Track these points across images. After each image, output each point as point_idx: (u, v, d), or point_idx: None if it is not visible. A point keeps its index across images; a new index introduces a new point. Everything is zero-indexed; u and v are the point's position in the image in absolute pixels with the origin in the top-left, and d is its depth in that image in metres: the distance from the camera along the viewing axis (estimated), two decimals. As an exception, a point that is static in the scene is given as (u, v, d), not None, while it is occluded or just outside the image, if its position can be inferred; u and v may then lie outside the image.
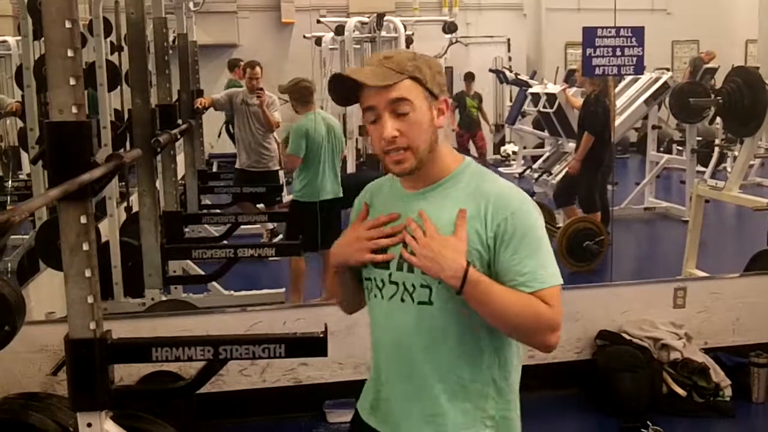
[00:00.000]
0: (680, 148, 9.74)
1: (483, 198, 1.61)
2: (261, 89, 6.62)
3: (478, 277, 1.55)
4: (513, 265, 1.57)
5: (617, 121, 7.61)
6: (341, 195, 5.33)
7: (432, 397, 1.64)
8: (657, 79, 8.27)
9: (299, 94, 5.32)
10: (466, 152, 10.32)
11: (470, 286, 1.54)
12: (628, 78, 8.39)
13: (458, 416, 1.66)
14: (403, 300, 1.65)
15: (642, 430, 3.63)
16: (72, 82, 2.25)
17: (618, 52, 4.57)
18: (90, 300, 2.35)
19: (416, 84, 1.61)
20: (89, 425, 2.39)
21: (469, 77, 11.75)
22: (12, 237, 4.89)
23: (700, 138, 8.91)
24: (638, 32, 4.64)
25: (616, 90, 8.08)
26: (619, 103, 8.08)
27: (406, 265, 1.63)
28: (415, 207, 1.66)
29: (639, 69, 4.77)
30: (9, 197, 5.74)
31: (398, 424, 1.70)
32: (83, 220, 2.32)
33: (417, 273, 1.62)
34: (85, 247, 2.32)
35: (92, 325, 2.36)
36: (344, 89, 1.65)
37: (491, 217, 1.59)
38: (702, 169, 9.29)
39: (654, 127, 8.98)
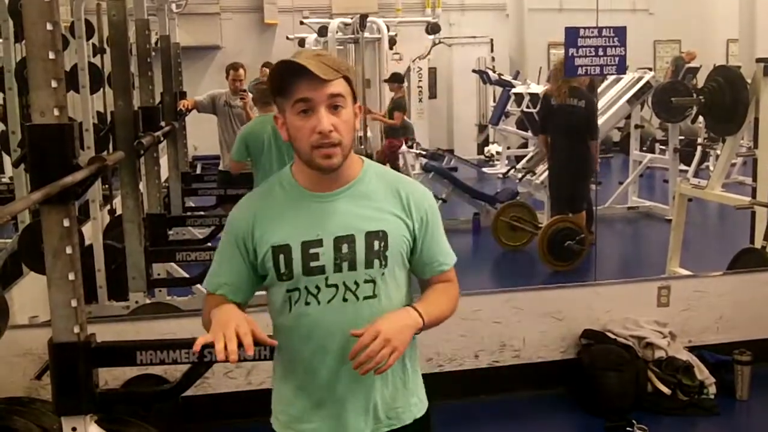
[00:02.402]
0: (663, 147, 9.82)
1: (403, 192, 1.76)
2: (244, 91, 6.61)
3: (424, 309, 1.73)
4: (434, 248, 1.80)
5: (600, 121, 7.64)
6: None
7: (371, 384, 1.75)
8: (639, 79, 8.32)
9: (259, 95, 5.28)
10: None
11: (424, 315, 1.71)
12: (611, 78, 8.44)
13: (387, 393, 1.79)
14: (345, 299, 1.69)
15: (627, 428, 3.64)
16: (53, 84, 2.24)
17: (600, 52, 4.60)
18: (73, 303, 2.33)
19: (347, 84, 1.68)
20: (74, 429, 2.37)
21: (395, 79, 9.62)
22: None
23: (682, 137, 8.99)
24: (620, 32, 4.67)
25: (599, 89, 8.13)
26: (602, 103, 8.13)
27: (346, 264, 1.68)
28: (336, 207, 1.71)
29: (621, 69, 4.80)
30: (-9, 200, 5.69)
31: (343, 419, 1.76)
32: (66, 223, 2.30)
33: (360, 270, 1.69)
34: (69, 250, 2.31)
35: (76, 329, 2.35)
36: (279, 78, 1.66)
37: (415, 209, 1.76)
38: (685, 168, 9.37)
39: (637, 126, 9.04)
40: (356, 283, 1.69)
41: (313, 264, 1.68)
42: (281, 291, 1.72)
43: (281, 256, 1.69)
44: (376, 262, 1.69)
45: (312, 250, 1.68)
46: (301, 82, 1.62)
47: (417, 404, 1.85)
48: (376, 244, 1.69)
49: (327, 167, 1.66)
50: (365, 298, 1.70)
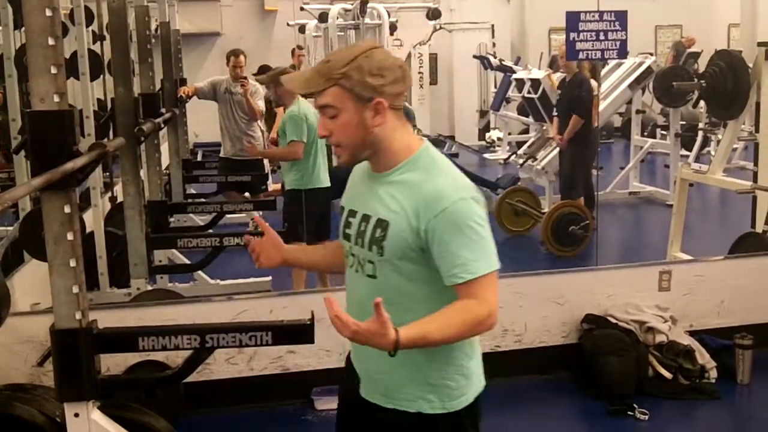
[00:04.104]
0: (664, 132, 9.80)
1: (421, 194, 1.74)
2: (245, 78, 6.60)
3: (410, 339, 1.62)
4: (446, 257, 1.71)
5: (601, 106, 7.62)
6: (329, 184, 5.21)
7: (379, 357, 1.69)
8: (641, 64, 8.30)
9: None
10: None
11: (404, 338, 1.61)
12: (612, 63, 8.42)
13: (398, 378, 1.82)
14: (357, 271, 1.86)
15: (628, 412, 3.66)
16: (53, 70, 2.24)
17: (601, 36, 4.58)
18: (75, 290, 2.34)
19: (343, 90, 1.73)
20: (76, 415, 2.38)
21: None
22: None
23: (683, 122, 8.96)
24: (621, 16, 4.65)
25: (600, 75, 8.10)
26: (603, 87, 8.10)
27: (360, 240, 1.81)
28: (375, 187, 1.83)
29: (622, 53, 4.79)
30: (-8, 188, 5.70)
31: (359, 376, 1.92)
32: (67, 209, 2.30)
33: (365, 249, 1.80)
34: (70, 236, 2.31)
35: (78, 315, 2.35)
36: None
37: (423, 214, 1.72)
38: (686, 153, 9.35)
39: (638, 111, 9.02)
40: (363, 259, 1.82)
41: (346, 231, 1.88)
42: None
43: (341, 217, 1.93)
44: (375, 248, 1.78)
45: (349, 219, 1.88)
46: None
47: (432, 402, 1.81)
48: (378, 231, 1.77)
49: (339, 164, 1.86)
50: (368, 275, 1.81)
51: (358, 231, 1.82)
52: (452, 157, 8.83)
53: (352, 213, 1.87)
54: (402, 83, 1.77)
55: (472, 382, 1.87)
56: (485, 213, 1.76)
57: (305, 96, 1.87)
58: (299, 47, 9.98)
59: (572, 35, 4.56)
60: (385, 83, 1.73)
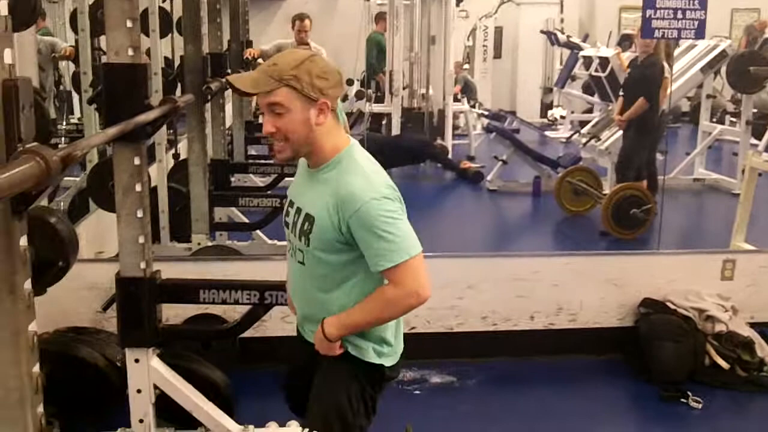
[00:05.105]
0: (733, 119, 9.50)
1: (339, 193, 1.91)
2: (308, 43, 6.61)
3: (331, 324, 1.99)
4: (366, 250, 1.91)
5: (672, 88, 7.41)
6: None
7: (315, 323, 2.06)
8: (715, 47, 8.03)
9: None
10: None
11: (333, 330, 1.99)
12: (684, 45, 8.16)
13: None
14: (292, 256, 2.09)
15: (681, 399, 3.60)
16: (129, 24, 2.28)
17: (679, 15, 4.43)
18: (141, 240, 2.39)
19: (292, 90, 1.89)
20: (137, 361, 2.45)
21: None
22: (63, 178, 4.99)
23: (755, 110, 8.66)
24: (701, -6, 4.49)
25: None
26: (675, 69, 7.87)
27: (295, 229, 2.02)
28: (310, 183, 2.02)
29: (700, 33, 4.61)
30: (62, 139, 5.86)
31: (303, 318, 2.17)
32: (137, 161, 2.35)
33: (296, 239, 2.02)
34: (138, 188, 2.36)
35: (142, 265, 2.41)
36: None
37: (341, 213, 1.90)
38: (755, 141, 9.05)
39: (708, 96, 8.74)
40: (295, 247, 2.05)
41: (286, 219, 2.09)
42: None
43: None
44: (303, 238, 1.99)
45: (289, 209, 2.08)
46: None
47: (360, 348, 2.05)
48: (306, 225, 1.97)
49: (277, 160, 2.02)
50: (299, 261, 2.05)
51: (293, 221, 2.03)
52: (513, 132, 8.77)
53: (291, 204, 2.07)
54: (340, 87, 1.98)
55: (386, 349, 2.08)
56: (398, 206, 1.93)
57: (248, 95, 2.00)
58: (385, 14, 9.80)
59: (648, 12, 4.42)
60: (330, 86, 1.92)
